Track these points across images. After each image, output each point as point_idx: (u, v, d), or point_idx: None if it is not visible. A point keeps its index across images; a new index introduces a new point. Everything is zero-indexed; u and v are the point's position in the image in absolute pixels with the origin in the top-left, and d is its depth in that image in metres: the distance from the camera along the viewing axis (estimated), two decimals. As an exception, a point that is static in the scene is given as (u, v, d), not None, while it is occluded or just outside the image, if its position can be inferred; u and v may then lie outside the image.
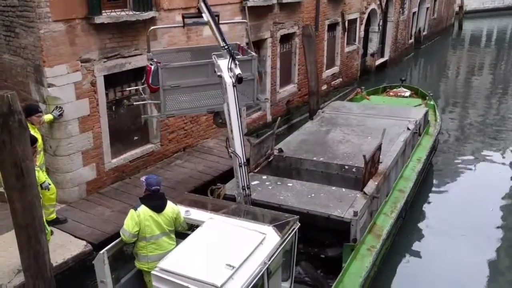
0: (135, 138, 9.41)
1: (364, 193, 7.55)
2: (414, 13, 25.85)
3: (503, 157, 13.61)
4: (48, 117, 7.56)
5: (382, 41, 21.83)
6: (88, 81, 8.12)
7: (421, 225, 9.78)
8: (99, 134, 8.53)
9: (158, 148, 9.90)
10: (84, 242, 7.13)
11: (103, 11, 8.13)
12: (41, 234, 5.67)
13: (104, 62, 8.33)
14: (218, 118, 8.26)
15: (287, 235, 5.56)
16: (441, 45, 31.47)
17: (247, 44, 8.67)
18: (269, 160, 8.93)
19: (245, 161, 6.86)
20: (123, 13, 8.47)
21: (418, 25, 27.45)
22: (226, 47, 6.86)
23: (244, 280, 4.69)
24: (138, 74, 8.89)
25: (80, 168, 8.30)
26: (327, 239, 7.35)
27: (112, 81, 8.62)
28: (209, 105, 7.93)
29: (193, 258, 4.89)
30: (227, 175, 9.63)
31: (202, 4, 7.26)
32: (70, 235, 7.28)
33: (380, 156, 8.48)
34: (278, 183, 8.02)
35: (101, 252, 5.22)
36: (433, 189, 11.46)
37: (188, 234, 5.44)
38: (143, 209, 5.40)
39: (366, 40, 20.23)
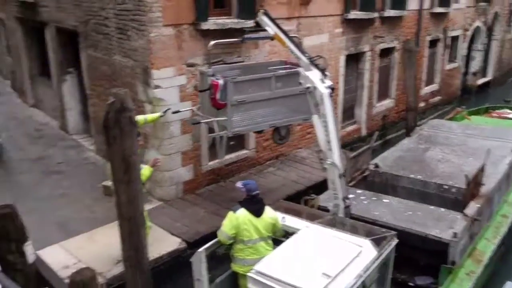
0: (232, 143, 9.58)
1: (465, 214, 7.09)
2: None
3: None
4: (151, 116, 7.65)
5: (486, 60, 20.61)
6: (192, 85, 8.40)
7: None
8: (199, 136, 8.78)
9: (253, 155, 10.03)
10: (179, 240, 7.33)
11: (209, 18, 8.41)
12: (141, 228, 5.91)
13: (208, 67, 8.59)
14: (277, 134, 8.18)
15: (384, 249, 5.36)
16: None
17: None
18: (365, 174, 8.70)
19: (343, 172, 6.75)
20: (228, 20, 8.71)
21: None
22: (309, 58, 6.61)
23: (340, 290, 4.57)
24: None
25: (179, 168, 8.59)
26: (422, 260, 7.00)
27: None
28: (272, 121, 7.82)
29: (289, 264, 4.82)
30: (319, 186, 9.54)
31: (264, 18, 6.98)
32: (166, 231, 7.53)
33: (484, 178, 7.96)
34: (373, 198, 7.77)
35: (200, 250, 5.32)
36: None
37: (283, 241, 5.42)
38: (242, 212, 5.39)
39: (468, 58, 19.21)
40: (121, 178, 5.62)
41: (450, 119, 13.07)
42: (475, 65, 19.45)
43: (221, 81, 7.15)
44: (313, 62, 6.69)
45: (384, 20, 13.00)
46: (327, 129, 6.59)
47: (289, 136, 8.66)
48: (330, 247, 5.13)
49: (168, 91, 8.12)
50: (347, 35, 11.89)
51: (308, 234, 5.41)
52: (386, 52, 13.62)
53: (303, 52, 6.81)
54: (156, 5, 7.66)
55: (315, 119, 6.82)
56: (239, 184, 5.62)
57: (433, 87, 16.54)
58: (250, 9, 8.91)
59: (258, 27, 7.27)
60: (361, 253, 5.07)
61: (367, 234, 5.59)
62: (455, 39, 17.25)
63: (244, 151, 9.88)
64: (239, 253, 5.46)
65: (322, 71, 6.67)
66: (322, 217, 6.13)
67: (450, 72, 17.37)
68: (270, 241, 5.54)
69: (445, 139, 10.45)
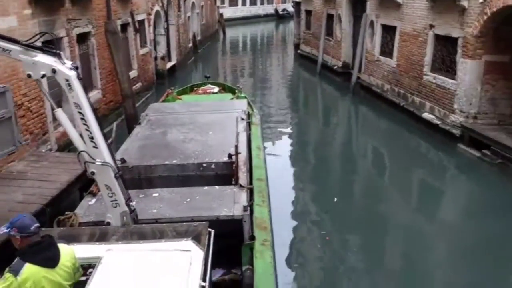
0: None
1: (241, 185, 6.86)
2: (188, 17, 26.10)
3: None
4: None
5: (168, 45, 21.30)
6: None
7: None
8: None
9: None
10: None
11: None
12: None
13: None
14: None
15: (207, 245, 4.47)
16: (214, 49, 33.01)
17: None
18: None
19: (118, 170, 5.41)
20: None
21: (192, 30, 27.85)
22: (25, 43, 4.99)
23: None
24: None
25: None
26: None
27: None
28: None
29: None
30: (58, 200, 7.80)
31: None
32: None
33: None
34: (140, 196, 6.67)
35: None
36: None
37: (85, 281, 3.84)
38: (29, 270, 3.43)
39: (155, 43, 19.37)
40: None
41: (164, 101, 12.88)
42: (161, 49, 19.81)
43: None
44: (33, 46, 5.05)
45: (75, 1, 11.50)
46: (87, 120, 5.12)
47: None
48: (155, 265, 3.89)
49: None
50: (38, 17, 9.96)
51: (116, 259, 3.98)
52: (83, 38, 12.17)
53: (11, 40, 5.07)
54: None
55: (59, 113, 5.26)
56: (2, 229, 3.63)
57: (133, 73, 15.93)
58: None
59: None
60: (192, 259, 4.04)
61: (181, 235, 4.58)
62: (141, 23, 17.02)
63: None
64: None
65: (53, 53, 5.12)
66: (113, 233, 4.72)
67: (144, 57, 17.14)
68: None
69: (175, 120, 10.10)
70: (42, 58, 4.99)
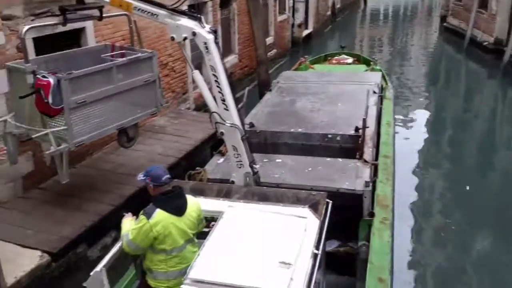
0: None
1: (365, 161, 6.72)
2: (329, -16, 25.70)
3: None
4: None
5: (306, 12, 21.21)
6: (13, 44, 6.27)
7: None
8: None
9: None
10: (39, 253, 5.42)
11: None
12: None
13: (32, 20, 6.51)
14: (124, 136, 6.83)
15: (323, 215, 4.51)
16: (352, 19, 32.10)
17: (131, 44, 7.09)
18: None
19: (245, 133, 5.67)
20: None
21: (332, -3, 27.41)
22: (170, 8, 5.41)
23: (304, 279, 3.56)
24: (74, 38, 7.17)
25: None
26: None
27: (43, 45, 6.78)
28: (118, 121, 6.44)
29: (232, 259, 3.62)
30: (192, 156, 8.41)
31: None
32: (16, 245, 5.52)
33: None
34: (264, 160, 6.89)
35: (97, 269, 3.78)
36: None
37: (207, 231, 4.15)
38: (160, 217, 3.79)
39: (293, 10, 19.44)
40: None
41: (296, 69, 12.96)
42: (299, 17, 19.82)
43: (52, 80, 5.37)
44: (178, 10, 5.43)
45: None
46: (220, 83, 5.40)
47: (138, 135, 7.16)
48: (271, 226, 4.05)
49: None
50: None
51: (237, 215, 4.23)
52: (225, 3, 12.66)
53: (158, 4, 5.48)
54: None
55: (196, 74, 5.63)
56: (140, 177, 4.03)
57: (269, 40, 16.25)
58: None
59: (82, 3, 5.85)
60: (307, 226, 4.12)
61: (300, 201, 4.68)
62: (282, -11, 17.16)
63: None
64: (159, 265, 3.90)
65: (195, 17, 5.43)
66: (236, 192, 5.00)
67: (281, 24, 17.35)
68: (196, 240, 4.11)
69: (306, 89, 10.13)
70: (185, 21, 5.38)
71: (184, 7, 6.96)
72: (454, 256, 7.54)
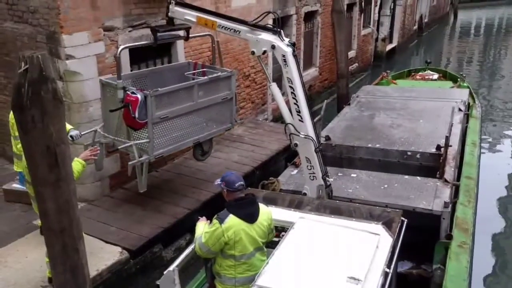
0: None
1: (446, 180, 6.47)
2: (417, -2, 24.97)
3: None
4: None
5: (391, 26, 20.78)
6: (112, 53, 6.74)
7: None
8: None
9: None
10: (119, 249, 5.79)
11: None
12: (79, 241, 4.35)
13: (130, 31, 6.98)
14: (199, 149, 7.05)
15: (397, 234, 4.41)
16: (440, 33, 30.90)
17: (212, 61, 7.42)
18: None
19: (319, 145, 5.70)
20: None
21: (420, 11, 26.56)
22: (251, 24, 5.66)
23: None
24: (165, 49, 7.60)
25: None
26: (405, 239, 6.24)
27: (137, 55, 7.26)
28: (195, 136, 6.74)
29: (300, 270, 3.65)
30: (266, 166, 8.53)
31: (178, 8, 6.06)
32: (99, 240, 5.93)
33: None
34: (339, 174, 6.86)
35: (170, 269, 3.99)
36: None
37: (276, 241, 4.21)
38: (232, 222, 3.91)
39: (378, 24, 19.12)
40: (46, 177, 3.99)
41: (377, 84, 12.72)
42: (384, 31, 19.47)
43: (140, 96, 5.76)
44: (258, 26, 5.65)
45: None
46: (296, 95, 5.49)
47: (212, 150, 7.45)
48: (342, 241, 4.03)
49: (84, 62, 6.40)
50: (274, -5, 10.79)
51: (308, 227, 4.25)
52: (310, 16, 12.75)
53: (240, 21, 5.79)
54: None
55: (273, 87, 5.81)
56: (216, 181, 4.20)
57: (351, 53, 16.11)
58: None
59: (172, 24, 6.27)
60: (379, 243, 4.05)
61: (373, 218, 4.61)
62: (368, 3, 16.96)
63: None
64: (228, 270, 4.03)
65: (274, 31, 5.60)
66: (307, 203, 5.02)
67: (365, 38, 17.14)
68: (265, 249, 4.19)
69: (386, 104, 9.93)
70: (265, 36, 5.61)
71: (270, 21, 7.15)
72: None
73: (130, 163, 6.07)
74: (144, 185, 6.32)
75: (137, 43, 6.66)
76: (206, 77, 6.82)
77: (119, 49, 6.06)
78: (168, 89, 6.19)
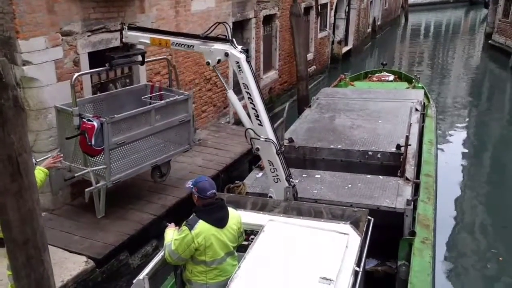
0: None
1: (407, 179, 6.66)
2: (371, 2, 25.59)
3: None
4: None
5: (346, 29, 21.24)
6: (70, 59, 6.59)
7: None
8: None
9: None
10: (84, 258, 5.65)
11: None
12: (44, 252, 4.21)
13: (88, 36, 6.83)
14: (157, 172, 7.14)
15: (365, 232, 4.51)
16: (393, 35, 31.84)
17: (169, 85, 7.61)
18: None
19: (281, 147, 5.77)
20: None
21: (373, 14, 27.27)
22: (203, 37, 5.84)
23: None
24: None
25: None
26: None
27: (97, 60, 7.09)
28: (153, 159, 6.87)
29: (272, 275, 3.67)
30: (231, 169, 8.54)
31: (131, 32, 6.27)
32: (63, 250, 5.76)
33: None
34: (303, 175, 6.94)
35: (140, 277, 3.90)
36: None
37: (246, 245, 4.22)
38: (202, 227, 3.89)
39: (334, 27, 19.50)
40: (8, 187, 3.84)
41: (336, 86, 12.95)
42: (339, 34, 19.85)
43: (96, 124, 5.79)
44: (210, 37, 5.78)
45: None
46: (254, 100, 5.55)
47: (170, 171, 7.51)
48: (312, 242, 4.09)
49: (42, 68, 6.20)
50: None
51: (277, 229, 4.28)
52: (268, 20, 12.85)
53: (192, 36, 6.02)
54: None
55: (231, 94, 5.88)
56: (188, 184, 4.16)
57: (309, 56, 16.34)
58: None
59: (127, 49, 6.49)
60: (349, 242, 4.13)
61: (341, 217, 4.70)
62: (324, 6, 17.26)
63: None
64: (199, 276, 4.00)
65: (227, 40, 5.70)
66: (275, 206, 5.06)
67: (322, 40, 17.42)
68: (235, 254, 4.18)
69: (345, 106, 10.14)
70: (218, 46, 5.70)
71: (230, 24, 7.21)
72: (497, 279, 7.31)
73: (87, 190, 6.05)
74: (102, 211, 6.38)
75: (92, 70, 6.72)
76: (163, 101, 6.91)
77: (73, 77, 6.04)
78: (124, 115, 6.27)
